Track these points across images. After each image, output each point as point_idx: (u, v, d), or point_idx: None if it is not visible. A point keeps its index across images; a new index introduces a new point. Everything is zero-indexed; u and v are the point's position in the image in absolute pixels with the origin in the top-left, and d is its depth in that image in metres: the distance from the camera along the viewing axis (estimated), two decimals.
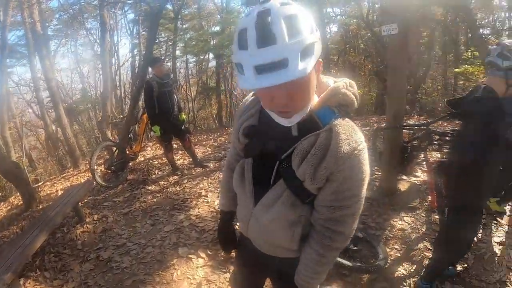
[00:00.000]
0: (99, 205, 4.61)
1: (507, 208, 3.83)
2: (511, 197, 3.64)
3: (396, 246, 3.31)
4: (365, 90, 12.96)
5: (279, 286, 1.60)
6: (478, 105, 2.25)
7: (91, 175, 5.29)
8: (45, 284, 3.15)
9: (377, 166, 4.47)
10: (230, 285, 1.99)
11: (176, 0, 10.91)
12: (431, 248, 3.20)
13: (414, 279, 2.86)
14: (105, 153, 6.26)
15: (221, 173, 5.34)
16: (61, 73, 16.49)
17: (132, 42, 12.62)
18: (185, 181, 5.19)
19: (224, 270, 3.06)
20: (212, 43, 12.24)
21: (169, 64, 11.89)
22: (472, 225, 2.51)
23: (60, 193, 5.58)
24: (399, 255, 3.20)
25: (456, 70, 9.88)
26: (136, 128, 5.98)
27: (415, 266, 3.03)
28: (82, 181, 5.71)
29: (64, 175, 7.56)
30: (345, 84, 1.21)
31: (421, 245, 3.29)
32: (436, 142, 3.73)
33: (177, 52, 13.28)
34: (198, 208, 4.27)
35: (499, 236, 3.41)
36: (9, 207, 6.18)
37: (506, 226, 3.56)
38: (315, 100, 1.19)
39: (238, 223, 1.55)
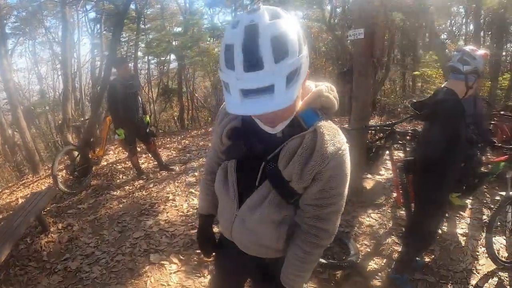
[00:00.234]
0: (62, 213, 4.39)
1: (468, 201, 4.12)
2: (471, 192, 3.89)
3: (365, 242, 3.44)
4: None
5: (260, 286, 1.62)
6: (442, 106, 2.42)
7: (52, 182, 5.05)
8: None
9: None
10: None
11: None
12: (398, 242, 3.36)
13: (386, 272, 3.00)
14: (65, 158, 6.00)
15: (187, 176, 5.31)
16: (17, 73, 15.60)
17: (93, 42, 12.18)
18: (151, 185, 5.08)
19: (199, 275, 3.02)
20: (174, 44, 12.08)
21: (130, 65, 11.50)
22: (438, 218, 2.69)
23: (20, 201, 5.26)
24: (369, 250, 3.33)
25: (415, 73, 10.40)
26: (98, 131, 5.79)
27: (385, 259, 3.17)
28: (43, 188, 5.44)
29: (24, 182, 7.15)
30: (327, 88, 1.25)
31: (389, 240, 3.45)
32: (400, 142, 3.91)
33: (139, 53, 13.00)
34: (167, 213, 4.20)
35: (462, 228, 3.67)
36: None
37: (468, 219, 3.81)
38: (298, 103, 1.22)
39: (218, 226, 1.56)
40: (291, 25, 0.96)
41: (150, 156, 6.15)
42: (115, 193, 4.92)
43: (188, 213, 4.14)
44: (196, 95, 15.00)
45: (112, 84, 4.87)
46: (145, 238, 3.65)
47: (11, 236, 3.18)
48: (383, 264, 3.13)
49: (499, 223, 3.52)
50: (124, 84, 4.81)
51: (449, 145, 2.36)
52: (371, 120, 7.60)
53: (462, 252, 3.31)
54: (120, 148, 7.08)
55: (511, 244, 3.38)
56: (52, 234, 3.87)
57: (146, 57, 13.66)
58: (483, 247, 3.36)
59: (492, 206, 4.04)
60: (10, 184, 8.03)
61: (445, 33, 14.43)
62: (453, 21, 14.76)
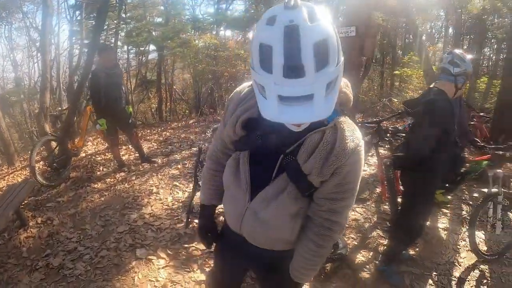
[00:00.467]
0: (41, 207, 4.22)
1: (450, 197, 4.26)
2: (454, 189, 4.05)
3: (352, 235, 3.51)
4: None
5: (266, 279, 1.61)
6: (433, 105, 2.49)
7: (29, 173, 4.85)
8: None
9: None
10: (207, 283, 1.95)
11: None
12: (384, 235, 3.45)
13: (373, 264, 3.09)
14: (41, 149, 5.78)
15: (170, 169, 5.24)
16: None
17: (72, 29, 11.76)
18: (133, 178, 4.97)
19: (188, 270, 2.99)
20: (154, 34, 11.86)
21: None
22: (425, 212, 2.80)
23: None
24: (356, 243, 3.42)
25: (395, 72, 10.63)
26: (77, 121, 5.61)
27: (372, 252, 3.26)
28: (19, 180, 5.22)
29: None
30: (344, 84, 1.25)
31: (374, 233, 3.55)
32: (386, 139, 3.99)
33: (118, 42, 12.67)
34: (151, 206, 4.12)
35: (443, 223, 3.81)
36: None
37: (448, 214, 3.97)
38: None
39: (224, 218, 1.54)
40: (331, 30, 0.93)
41: (131, 147, 6.03)
42: (96, 185, 4.78)
43: (173, 207, 4.08)
44: (174, 87, 14.77)
45: (95, 72, 4.72)
46: (130, 233, 3.57)
47: None
48: (370, 256, 3.21)
49: (478, 218, 3.68)
50: (107, 73, 4.67)
51: (438, 143, 2.45)
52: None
53: (444, 246, 3.45)
54: (99, 139, 6.89)
55: (491, 238, 3.53)
56: (31, 229, 3.71)
57: (126, 46, 13.33)
58: (463, 240, 3.52)
59: (470, 202, 4.22)
60: None
61: (424, 35, 14.81)
62: (433, 24, 15.18)
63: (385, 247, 3.18)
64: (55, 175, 5.03)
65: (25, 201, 4.23)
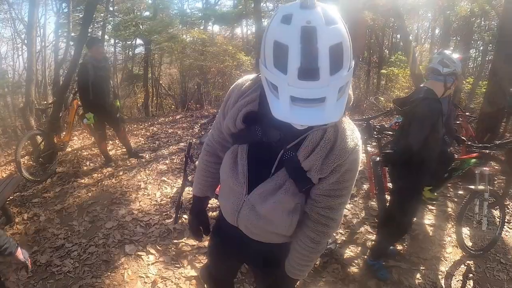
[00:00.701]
0: (27, 202, 4.15)
1: (436, 194, 4.36)
2: (441, 185, 4.17)
3: (340, 231, 3.56)
4: None
5: (263, 272, 1.62)
6: (422, 104, 2.55)
7: (13, 169, 4.75)
8: None
9: None
10: (202, 278, 1.95)
11: None
12: (371, 230, 3.52)
13: (361, 259, 3.15)
14: (26, 143, 5.67)
15: (158, 164, 5.22)
16: None
17: (59, 22, 11.50)
18: (120, 173, 4.93)
19: (178, 265, 2.98)
20: (141, 27, 11.73)
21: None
22: (413, 208, 2.85)
23: None
24: (345, 238, 3.47)
25: (382, 71, 10.74)
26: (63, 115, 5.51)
27: (360, 247, 3.32)
28: (4, 175, 5.11)
29: None
30: None
31: (362, 229, 3.61)
32: (375, 136, 4.05)
33: (105, 36, 12.47)
34: (139, 202, 4.09)
35: (429, 219, 3.90)
36: None
37: (434, 211, 4.06)
38: None
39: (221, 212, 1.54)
40: (345, 33, 0.93)
41: (118, 142, 5.97)
42: (82, 181, 4.72)
43: (161, 202, 4.06)
44: (161, 82, 14.64)
45: (83, 65, 4.65)
46: (119, 228, 3.54)
47: None
48: (358, 251, 3.27)
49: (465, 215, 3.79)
50: (96, 66, 4.61)
51: (427, 141, 2.50)
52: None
53: (430, 241, 3.53)
54: (85, 134, 6.80)
55: (476, 234, 3.63)
56: (17, 225, 3.63)
57: (112, 40, 13.14)
58: (449, 236, 3.61)
59: (456, 199, 4.32)
60: None
61: (412, 36, 15.02)
62: (419, 25, 15.40)
63: (373, 242, 3.24)
64: (41, 170, 4.96)
65: (11, 197, 4.14)
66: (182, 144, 6.28)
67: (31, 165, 5.16)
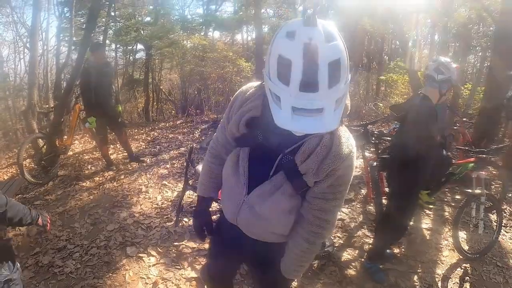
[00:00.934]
0: (29, 205, 4.16)
1: (434, 198, 4.41)
2: (439, 189, 4.23)
3: (338, 235, 3.61)
4: None
5: (260, 272, 1.68)
6: (418, 111, 2.63)
7: (15, 171, 4.80)
8: None
9: None
10: (202, 278, 2.01)
11: None
12: (369, 234, 3.56)
13: (359, 262, 3.20)
14: (28, 146, 5.73)
15: (159, 168, 5.28)
16: None
17: (60, 26, 11.59)
18: (122, 177, 4.99)
19: (179, 267, 3.03)
20: (143, 33, 11.80)
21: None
22: (410, 212, 2.90)
23: None
24: (342, 242, 3.51)
25: (381, 77, 10.81)
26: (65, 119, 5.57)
27: (357, 251, 3.37)
28: (6, 178, 5.17)
29: None
30: None
31: (360, 233, 3.66)
32: (372, 142, 4.12)
33: (107, 41, 12.55)
34: (141, 205, 4.15)
35: (426, 223, 3.95)
36: None
37: (432, 215, 4.11)
38: None
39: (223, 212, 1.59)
40: (343, 50, 1.03)
41: (119, 146, 6.03)
42: (84, 184, 4.77)
43: (162, 206, 4.12)
44: (161, 87, 14.71)
45: (86, 69, 4.73)
46: (120, 231, 3.59)
47: None
48: (355, 254, 3.31)
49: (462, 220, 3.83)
50: (99, 71, 4.68)
51: (423, 146, 2.54)
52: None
53: (427, 245, 3.57)
54: (87, 138, 6.86)
55: (473, 237, 3.68)
56: (19, 227, 3.65)
57: (114, 45, 13.23)
58: (446, 240, 3.66)
59: (453, 204, 4.37)
60: None
61: (411, 41, 15.10)
62: (419, 31, 15.48)
63: (370, 245, 3.28)
64: (43, 173, 5.01)
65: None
66: (183, 149, 6.34)
67: (33, 168, 5.21)
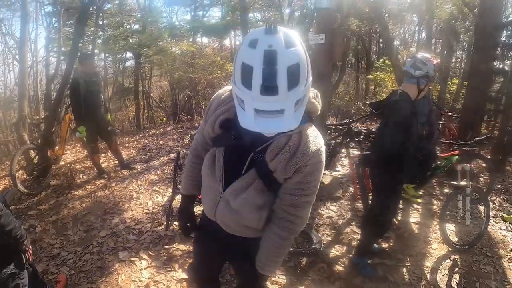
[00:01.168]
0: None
1: (421, 193, 4.49)
2: (425, 183, 4.30)
3: (326, 232, 3.69)
4: None
5: (240, 267, 1.77)
6: (396, 107, 2.68)
7: (8, 182, 4.83)
8: None
9: None
10: (187, 274, 2.07)
11: None
12: (357, 231, 3.62)
13: (347, 258, 3.25)
14: (20, 157, 5.76)
15: (150, 175, 5.33)
16: None
17: (49, 37, 11.61)
18: (113, 184, 5.03)
19: (170, 269, 3.08)
20: (131, 41, 11.87)
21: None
22: (394, 206, 2.96)
23: None
24: (330, 239, 3.58)
25: (369, 76, 10.95)
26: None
27: (345, 247, 3.43)
28: None
29: None
30: (313, 95, 1.43)
31: (348, 229, 3.73)
32: (356, 139, 4.21)
33: (95, 50, 12.57)
34: (132, 211, 4.20)
35: (415, 217, 4.02)
36: None
37: (420, 209, 4.20)
38: None
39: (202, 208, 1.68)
40: (303, 55, 1.10)
41: (110, 155, 6.08)
42: (76, 192, 4.81)
43: (153, 211, 4.17)
44: (152, 94, 14.75)
45: (75, 80, 4.78)
46: (112, 236, 3.64)
47: None
48: (344, 251, 3.38)
49: (448, 212, 3.86)
50: (88, 81, 4.74)
51: (402, 141, 2.61)
52: (327, 121, 8.01)
53: (415, 238, 3.64)
54: (78, 147, 6.90)
55: (462, 229, 3.76)
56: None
57: (102, 54, 13.24)
58: (434, 233, 3.73)
59: (441, 197, 4.45)
60: None
61: (398, 39, 15.30)
62: (406, 29, 15.69)
63: (358, 240, 3.35)
64: (35, 183, 5.05)
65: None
66: (173, 155, 6.40)
67: (25, 179, 5.24)
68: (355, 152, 4.79)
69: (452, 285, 3.05)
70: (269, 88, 1.05)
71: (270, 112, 1.10)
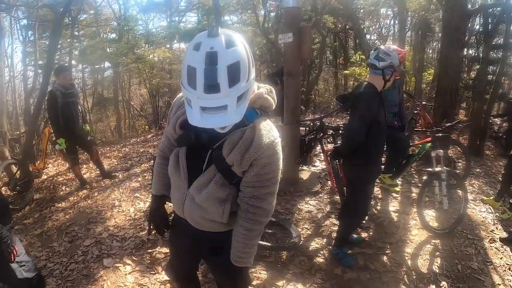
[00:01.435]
0: None
1: (398, 183, 4.66)
2: (400, 172, 4.42)
3: (306, 226, 3.77)
4: None
5: (212, 262, 1.83)
6: (361, 98, 2.74)
7: None
8: None
9: None
10: (166, 274, 2.13)
11: (73, 4, 10.26)
12: (336, 223, 3.68)
13: (327, 250, 3.33)
14: (3, 173, 5.72)
15: (131, 182, 5.37)
16: None
17: (25, 50, 11.49)
18: (96, 194, 5.07)
19: (153, 272, 3.14)
20: (109, 51, 11.84)
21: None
22: (365, 196, 3.04)
23: None
24: (310, 232, 3.66)
25: (345, 72, 11.11)
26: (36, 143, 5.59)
27: (325, 239, 3.52)
28: None
29: None
30: (267, 90, 1.51)
31: (327, 222, 3.81)
32: (329, 133, 4.31)
33: (72, 61, 12.48)
34: (115, 219, 4.24)
35: (394, 206, 4.14)
36: None
37: (399, 198, 4.32)
38: None
39: (171, 206, 1.75)
40: (243, 53, 1.19)
41: (92, 165, 6.09)
42: (60, 205, 4.82)
43: (135, 217, 4.22)
44: (132, 103, 14.69)
45: (52, 92, 4.79)
46: (96, 245, 3.68)
47: None
48: (324, 243, 3.46)
49: (427, 198, 4.03)
50: (64, 93, 4.76)
51: (369, 131, 2.68)
52: (307, 118, 8.12)
53: (395, 226, 3.74)
54: (60, 160, 6.88)
55: (441, 214, 3.88)
56: None
57: (80, 65, 13.17)
58: (414, 220, 3.83)
59: (420, 185, 4.54)
60: None
61: (375, 34, 15.49)
62: (382, 23, 15.91)
63: (337, 232, 3.39)
64: (19, 198, 5.05)
65: None
66: (153, 161, 6.42)
67: (8, 194, 5.21)
68: (331, 146, 4.91)
69: (434, 269, 3.13)
70: (211, 86, 1.14)
71: (214, 109, 1.18)
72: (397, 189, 4.59)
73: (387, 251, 3.33)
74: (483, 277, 3.06)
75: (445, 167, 3.62)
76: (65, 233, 3.99)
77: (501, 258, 3.34)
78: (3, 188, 5.39)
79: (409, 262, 3.22)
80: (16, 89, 11.88)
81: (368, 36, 13.70)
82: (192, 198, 1.55)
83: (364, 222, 3.75)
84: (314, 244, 3.45)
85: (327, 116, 4.84)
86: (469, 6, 7.57)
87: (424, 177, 4.76)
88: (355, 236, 3.47)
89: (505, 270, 3.19)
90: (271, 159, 1.44)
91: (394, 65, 2.76)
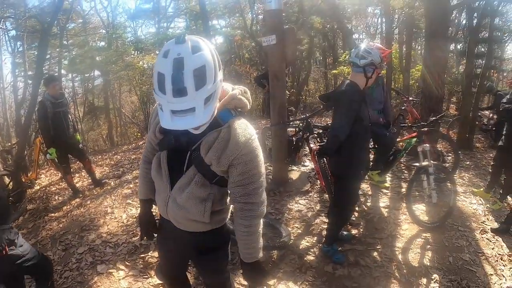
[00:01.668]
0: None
1: (388, 179, 4.71)
2: (388, 168, 4.47)
3: (296, 225, 3.81)
4: (252, 96, 13.52)
5: (198, 262, 1.88)
6: (343, 96, 2.79)
7: None
8: None
9: (268, 162, 4.98)
10: (156, 276, 2.16)
11: (61, 14, 10.26)
12: (326, 221, 3.70)
13: (318, 248, 3.36)
14: None
15: (123, 189, 5.40)
16: None
17: (14, 61, 11.46)
18: (88, 202, 5.08)
19: (146, 276, 3.17)
20: (98, 59, 11.84)
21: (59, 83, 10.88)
22: (351, 193, 3.06)
23: None
24: (300, 231, 3.70)
25: (334, 71, 11.18)
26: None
27: (316, 237, 3.55)
28: None
29: None
30: (241, 91, 1.57)
31: (317, 220, 3.85)
32: (316, 133, 4.36)
33: (62, 71, 12.44)
34: (107, 225, 4.26)
35: (384, 202, 4.18)
36: None
37: (389, 193, 4.37)
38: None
39: (157, 209, 1.79)
40: (209, 57, 1.26)
41: (84, 174, 6.11)
42: (53, 214, 4.83)
43: (128, 223, 4.24)
44: (123, 110, 14.67)
45: (42, 103, 4.82)
46: (90, 252, 3.70)
47: None
48: (314, 241, 3.50)
49: (417, 193, 4.08)
50: (54, 103, 4.80)
51: (352, 128, 2.72)
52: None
53: (385, 222, 3.78)
54: (52, 170, 6.89)
55: (431, 208, 3.92)
56: None
57: (70, 74, 13.15)
58: (404, 215, 3.87)
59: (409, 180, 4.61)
60: None
61: (363, 33, 15.63)
62: (370, 22, 16.04)
63: (326, 229, 3.45)
64: (12, 209, 5.03)
65: None
66: None
67: None
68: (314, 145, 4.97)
69: (425, 262, 3.16)
70: (178, 90, 1.20)
71: (183, 111, 1.24)
72: (387, 185, 4.64)
73: (377, 247, 3.36)
74: (475, 268, 3.10)
75: (432, 161, 3.67)
76: (59, 242, 4.01)
77: (492, 249, 3.39)
78: None
79: (400, 256, 3.26)
80: (6, 101, 11.88)
81: (356, 35, 13.81)
82: (174, 199, 1.60)
83: (354, 218, 3.82)
84: (305, 243, 3.48)
85: (313, 115, 4.90)
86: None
87: (414, 172, 4.82)
88: (345, 233, 3.52)
89: (497, 260, 3.24)
90: (251, 156, 1.50)
91: (375, 63, 2.78)
